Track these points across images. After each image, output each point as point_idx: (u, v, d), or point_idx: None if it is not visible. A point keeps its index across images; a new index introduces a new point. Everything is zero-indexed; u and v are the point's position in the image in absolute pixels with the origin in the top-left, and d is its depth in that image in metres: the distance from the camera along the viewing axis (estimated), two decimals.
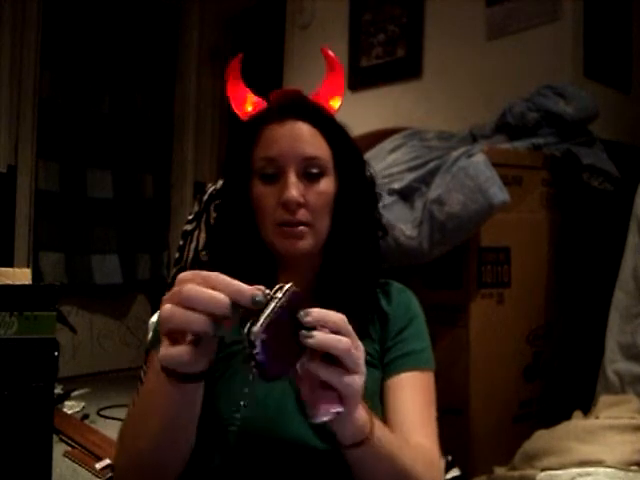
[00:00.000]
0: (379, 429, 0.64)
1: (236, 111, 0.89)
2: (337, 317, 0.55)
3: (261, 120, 0.83)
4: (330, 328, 0.54)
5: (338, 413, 0.56)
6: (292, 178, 0.78)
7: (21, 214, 3.25)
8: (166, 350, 0.54)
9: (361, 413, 0.60)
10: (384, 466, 0.66)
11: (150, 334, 1.30)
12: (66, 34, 3.38)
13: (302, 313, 0.54)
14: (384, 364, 0.83)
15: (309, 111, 0.83)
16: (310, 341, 0.53)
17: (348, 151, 0.85)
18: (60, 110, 3.37)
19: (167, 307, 0.53)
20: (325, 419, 0.56)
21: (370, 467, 0.65)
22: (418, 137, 1.99)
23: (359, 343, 0.56)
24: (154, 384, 0.63)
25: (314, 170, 0.80)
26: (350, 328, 0.56)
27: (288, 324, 0.53)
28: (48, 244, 3.34)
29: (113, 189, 3.59)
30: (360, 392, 0.57)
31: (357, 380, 0.55)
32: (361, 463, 0.65)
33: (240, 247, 0.83)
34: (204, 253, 1.11)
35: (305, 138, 0.80)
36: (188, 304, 0.52)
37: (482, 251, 1.67)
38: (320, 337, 0.53)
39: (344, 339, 0.54)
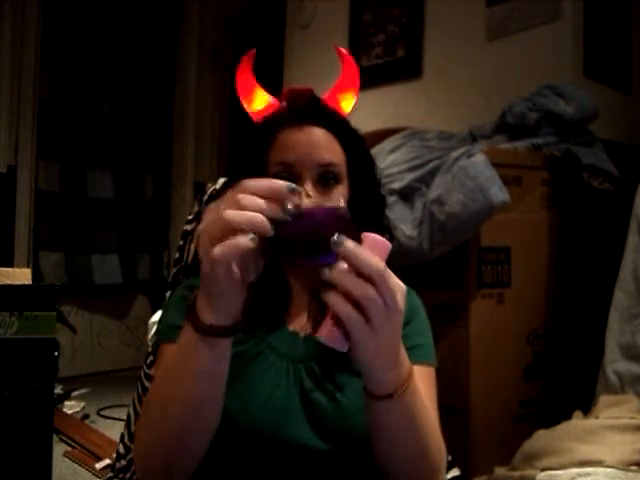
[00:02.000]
0: (411, 393, 0.62)
1: (245, 108, 0.88)
2: (372, 262, 0.52)
3: (277, 123, 0.82)
4: (358, 270, 0.51)
5: (338, 346, 0.54)
6: (308, 185, 0.77)
7: (21, 214, 3.25)
8: (226, 244, 0.52)
9: (390, 369, 0.59)
10: (405, 432, 0.65)
11: (151, 332, 1.30)
12: (66, 34, 3.38)
13: (336, 238, 0.52)
14: None
15: (326, 116, 0.82)
16: (339, 249, 0.52)
17: (362, 157, 0.85)
18: (60, 110, 3.37)
19: (217, 211, 0.53)
20: (324, 342, 0.54)
21: (392, 428, 0.64)
22: (418, 137, 1.99)
23: (394, 304, 0.53)
24: (184, 349, 0.62)
25: (330, 177, 0.80)
26: (389, 281, 0.53)
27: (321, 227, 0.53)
28: (48, 244, 3.34)
29: (113, 189, 3.59)
30: (378, 349, 0.55)
31: (372, 336, 0.53)
32: (383, 420, 0.63)
33: None
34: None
35: (323, 144, 0.80)
36: (242, 205, 0.53)
37: (482, 251, 1.67)
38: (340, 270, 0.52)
39: (370, 289, 0.51)
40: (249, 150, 0.84)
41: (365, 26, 2.79)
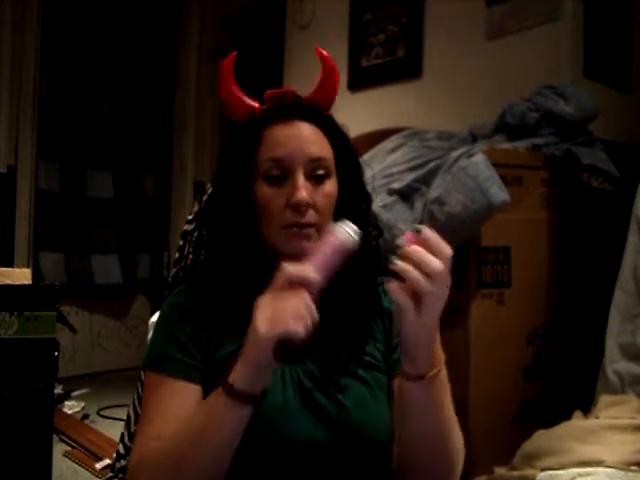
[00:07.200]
0: (441, 383, 0.71)
1: (230, 111, 0.87)
2: (434, 265, 0.64)
3: (264, 120, 0.81)
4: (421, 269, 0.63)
5: None
6: (301, 180, 0.77)
7: (21, 214, 3.24)
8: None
9: (426, 348, 0.69)
10: (432, 416, 0.72)
11: (151, 332, 1.29)
12: (66, 34, 3.38)
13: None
14: (390, 363, 0.83)
15: (312, 112, 0.82)
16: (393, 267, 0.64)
17: (348, 152, 0.85)
18: (60, 110, 3.37)
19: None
20: None
21: (421, 408, 0.71)
22: (418, 137, 1.99)
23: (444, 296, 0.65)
24: (208, 408, 0.68)
25: (320, 171, 0.80)
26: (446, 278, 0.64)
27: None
28: (48, 244, 3.34)
29: (113, 189, 3.59)
30: (426, 334, 0.67)
31: (419, 321, 0.65)
32: (413, 399, 0.71)
33: (238, 248, 0.82)
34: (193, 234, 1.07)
35: (311, 139, 0.80)
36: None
37: (482, 251, 1.67)
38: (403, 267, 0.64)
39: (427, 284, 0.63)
40: (236, 149, 0.83)
41: (365, 26, 2.79)
